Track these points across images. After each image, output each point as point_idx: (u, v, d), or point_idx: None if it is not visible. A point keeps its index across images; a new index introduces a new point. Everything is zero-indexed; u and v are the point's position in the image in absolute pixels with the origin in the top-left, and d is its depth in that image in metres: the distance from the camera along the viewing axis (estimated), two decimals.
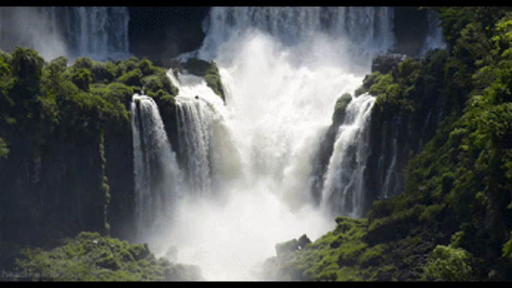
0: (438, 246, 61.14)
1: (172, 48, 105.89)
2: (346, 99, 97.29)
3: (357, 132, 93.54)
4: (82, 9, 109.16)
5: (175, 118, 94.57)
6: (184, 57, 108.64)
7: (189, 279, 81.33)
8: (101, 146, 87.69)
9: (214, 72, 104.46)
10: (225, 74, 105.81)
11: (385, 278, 71.17)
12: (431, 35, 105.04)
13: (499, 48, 67.06)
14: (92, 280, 76.57)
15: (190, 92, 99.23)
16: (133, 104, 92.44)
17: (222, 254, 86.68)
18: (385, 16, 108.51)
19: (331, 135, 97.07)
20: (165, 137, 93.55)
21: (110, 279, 77.95)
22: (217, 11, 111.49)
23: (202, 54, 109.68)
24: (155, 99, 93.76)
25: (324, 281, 75.77)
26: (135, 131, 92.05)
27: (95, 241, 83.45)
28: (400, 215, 74.71)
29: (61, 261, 79.10)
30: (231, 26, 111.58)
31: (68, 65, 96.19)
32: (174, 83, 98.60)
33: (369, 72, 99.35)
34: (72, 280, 75.66)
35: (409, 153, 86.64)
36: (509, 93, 58.21)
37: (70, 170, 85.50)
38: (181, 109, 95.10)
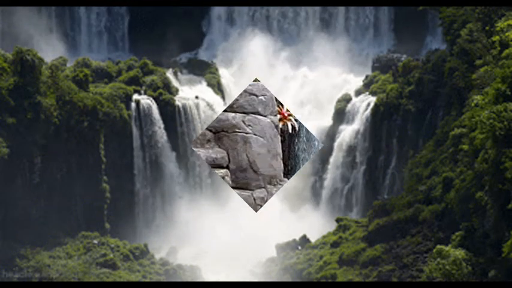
0: (438, 246, 61.12)
1: (172, 48, 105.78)
2: (346, 99, 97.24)
3: (357, 132, 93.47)
4: (82, 9, 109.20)
5: (175, 118, 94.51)
6: (184, 57, 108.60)
7: (189, 279, 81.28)
8: (101, 146, 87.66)
9: (214, 72, 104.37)
10: (225, 74, 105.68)
11: (385, 278, 71.13)
12: (431, 35, 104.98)
13: (499, 48, 67.03)
14: (92, 280, 76.55)
15: (190, 92, 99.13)
16: (133, 104, 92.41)
17: (222, 254, 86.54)
18: (385, 16, 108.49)
19: (331, 135, 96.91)
20: (165, 137, 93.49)
21: (110, 279, 77.92)
22: (217, 11, 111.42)
23: (202, 54, 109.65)
24: (155, 99, 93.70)
25: (324, 281, 75.72)
26: (135, 131, 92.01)
27: (95, 241, 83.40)
28: (400, 215, 74.65)
29: (61, 261, 79.07)
30: (231, 26, 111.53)
31: (68, 65, 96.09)
32: (174, 83, 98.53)
33: (369, 72, 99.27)
34: (72, 280, 75.64)
35: (409, 153, 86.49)
36: (509, 93, 58.18)
37: (70, 170, 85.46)
38: (181, 109, 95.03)
